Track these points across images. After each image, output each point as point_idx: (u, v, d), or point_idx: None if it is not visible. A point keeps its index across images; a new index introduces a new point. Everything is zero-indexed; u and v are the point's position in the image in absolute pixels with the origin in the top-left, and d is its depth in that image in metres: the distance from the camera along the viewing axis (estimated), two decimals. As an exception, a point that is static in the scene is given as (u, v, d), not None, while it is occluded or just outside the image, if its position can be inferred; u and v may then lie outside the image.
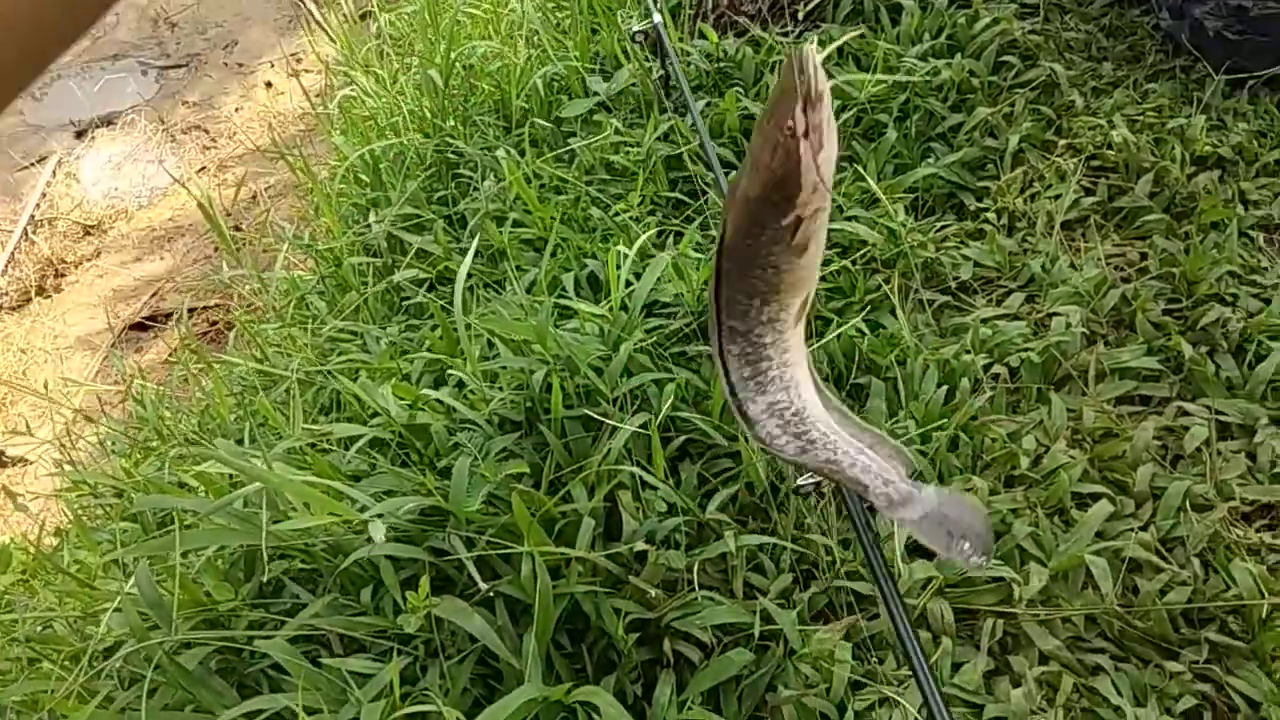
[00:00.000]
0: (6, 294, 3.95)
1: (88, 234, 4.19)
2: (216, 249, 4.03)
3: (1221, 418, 1.41)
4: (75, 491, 1.97)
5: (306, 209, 3.61)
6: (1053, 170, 1.81)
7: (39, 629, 1.50)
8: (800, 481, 1.15)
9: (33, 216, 4.20)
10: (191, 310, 3.69)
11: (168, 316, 3.76)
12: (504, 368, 1.50)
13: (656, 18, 1.91)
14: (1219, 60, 1.95)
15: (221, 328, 3.51)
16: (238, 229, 3.94)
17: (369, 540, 1.24)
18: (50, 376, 3.57)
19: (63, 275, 4.05)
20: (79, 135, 4.63)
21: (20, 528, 2.37)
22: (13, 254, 4.04)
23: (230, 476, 1.54)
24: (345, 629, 1.22)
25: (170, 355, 3.55)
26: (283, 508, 1.29)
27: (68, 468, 2.02)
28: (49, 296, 3.98)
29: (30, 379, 3.65)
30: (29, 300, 3.95)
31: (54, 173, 4.41)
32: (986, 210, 1.79)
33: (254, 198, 4.12)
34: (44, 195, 4.30)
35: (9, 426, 3.40)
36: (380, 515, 1.23)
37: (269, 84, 4.74)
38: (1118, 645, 1.18)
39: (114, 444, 2.08)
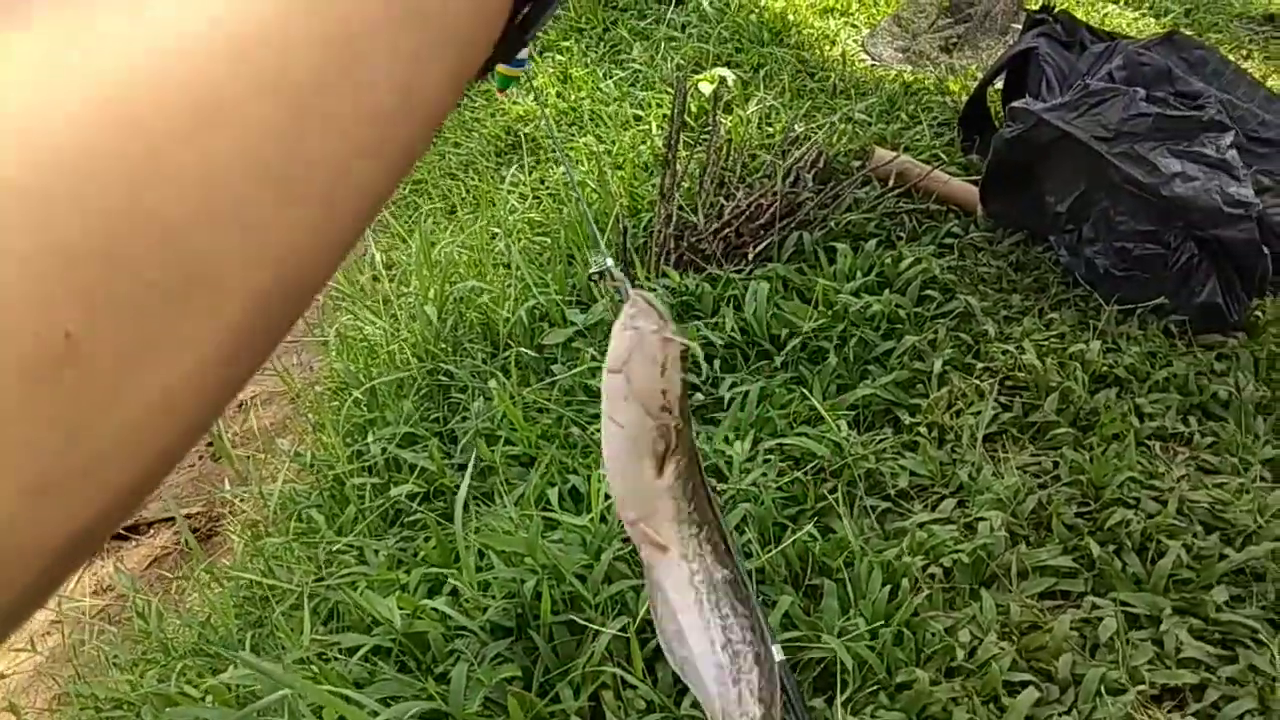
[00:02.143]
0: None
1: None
2: (201, 457, 4.18)
3: (1130, 609, 1.61)
4: (78, 704, 2.05)
5: (293, 420, 3.82)
6: (973, 389, 2.08)
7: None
8: None
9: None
10: (172, 519, 3.79)
11: (150, 525, 3.86)
12: (496, 578, 1.68)
13: (608, 261, 2.22)
14: (1110, 292, 2.27)
15: (203, 535, 3.61)
16: (209, 444, 4.09)
17: (376, 743, 1.37)
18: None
19: (47, 486, 4.14)
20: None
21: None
22: None
23: (235, 689, 1.66)
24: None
25: (150, 564, 3.63)
26: (297, 715, 1.43)
27: (71, 680, 2.11)
28: (32, 507, 4.05)
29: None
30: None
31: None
32: (919, 424, 2.03)
33: (240, 406, 4.32)
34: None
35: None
36: None
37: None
38: (1051, 822, 1.33)
39: (115, 655, 2.18)
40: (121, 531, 3.84)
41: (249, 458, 3.06)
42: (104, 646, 2.38)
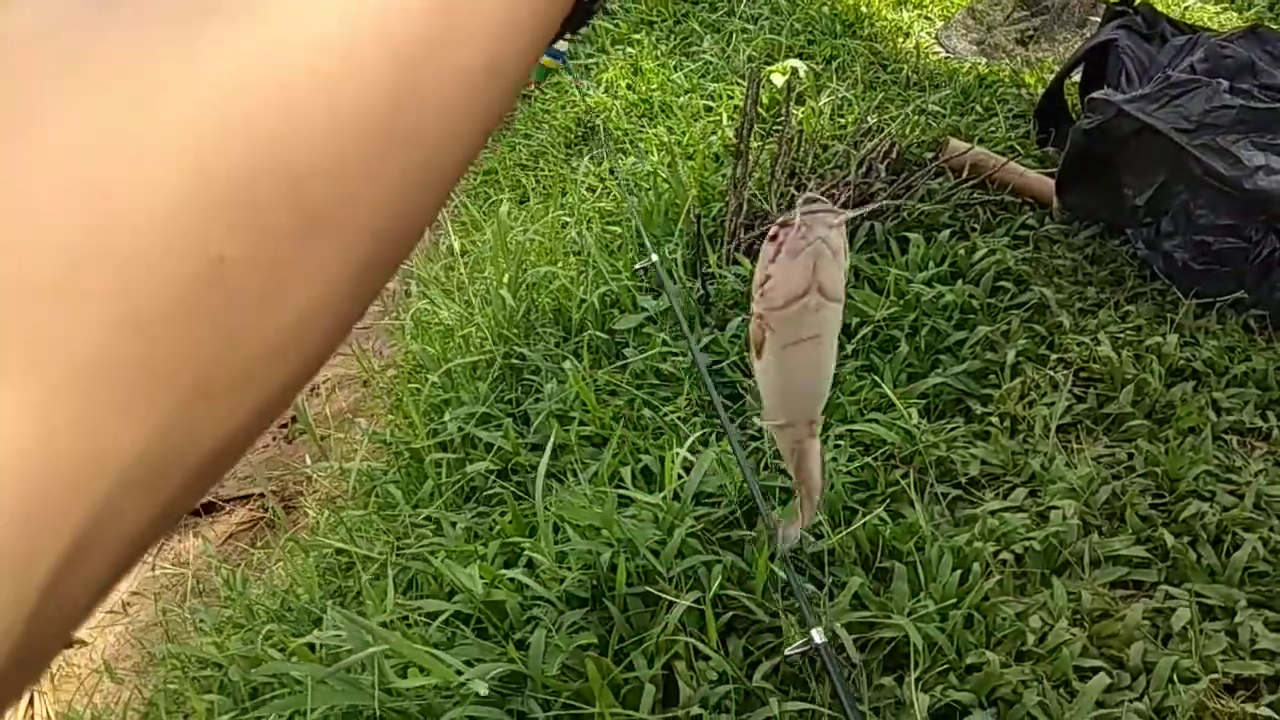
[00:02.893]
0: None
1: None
2: (275, 439, 4.32)
3: (1204, 600, 1.60)
4: (167, 666, 2.16)
5: (366, 403, 3.93)
6: (1046, 380, 2.08)
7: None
8: (787, 652, 1.35)
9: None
10: (248, 497, 3.93)
11: (227, 502, 4.00)
12: (573, 550, 1.73)
13: (654, 257, 2.26)
14: (1188, 286, 2.25)
15: (272, 515, 3.73)
16: (293, 420, 4.21)
17: (457, 703, 1.43)
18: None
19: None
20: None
21: (99, 703, 2.52)
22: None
23: (319, 649, 1.74)
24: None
25: (228, 539, 3.76)
26: (384, 673, 1.49)
27: (162, 644, 2.21)
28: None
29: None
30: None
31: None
32: (990, 414, 2.04)
33: (313, 390, 4.45)
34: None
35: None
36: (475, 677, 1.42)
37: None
38: (1121, 804, 1.34)
39: (201, 620, 2.28)
40: (201, 508, 3.98)
41: (326, 437, 3.16)
42: (189, 613, 2.49)
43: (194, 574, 3.45)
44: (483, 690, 1.31)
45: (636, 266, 2.43)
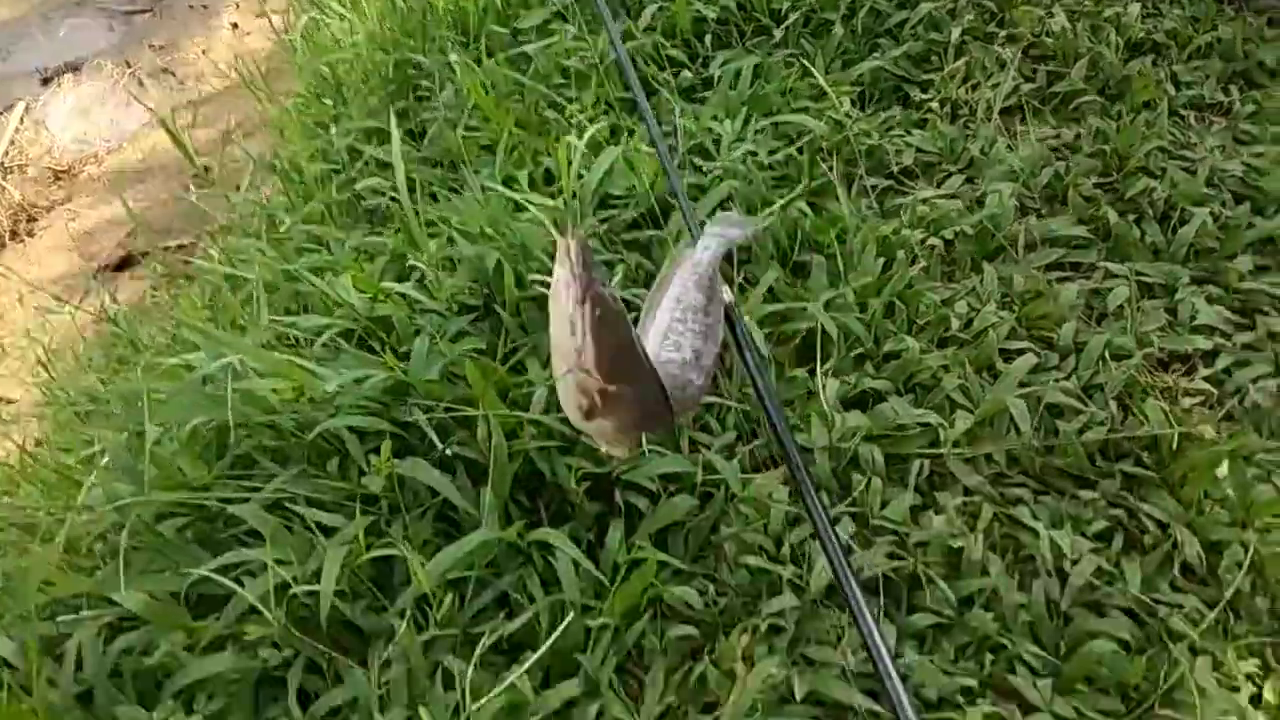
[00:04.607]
0: (-21, 240, 3.93)
1: (58, 179, 4.17)
2: (187, 188, 4.04)
3: (1144, 278, 1.48)
4: (52, 405, 2.02)
5: (275, 143, 3.63)
6: (993, 60, 1.87)
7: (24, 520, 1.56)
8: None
9: (1, 163, 4.16)
10: (165, 248, 3.71)
11: (143, 255, 3.78)
12: (461, 256, 1.56)
13: None
14: (1157, -50, 1.99)
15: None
16: (207, 169, 3.93)
17: (333, 415, 1.30)
18: (27, 318, 3.59)
19: (35, 220, 4.03)
20: (45, 82, 4.58)
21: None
22: (-17, 201, 4.00)
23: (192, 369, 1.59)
24: (313, 494, 1.29)
25: (146, 292, 3.58)
26: (252, 385, 1.35)
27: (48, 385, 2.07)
28: (22, 241, 3.96)
29: (7, 321, 3.65)
30: (3, 246, 3.94)
31: (21, 120, 4.36)
32: (930, 100, 1.84)
33: (224, 136, 4.13)
34: (12, 143, 4.26)
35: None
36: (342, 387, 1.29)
37: (234, 25, 4.71)
38: (1038, 480, 1.26)
39: (89, 359, 2.13)
40: (118, 261, 3.76)
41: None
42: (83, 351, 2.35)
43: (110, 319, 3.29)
44: (330, 387, 1.18)
45: None
